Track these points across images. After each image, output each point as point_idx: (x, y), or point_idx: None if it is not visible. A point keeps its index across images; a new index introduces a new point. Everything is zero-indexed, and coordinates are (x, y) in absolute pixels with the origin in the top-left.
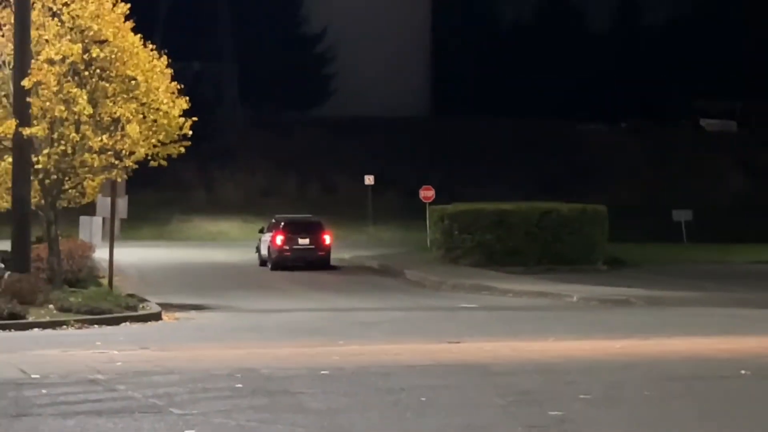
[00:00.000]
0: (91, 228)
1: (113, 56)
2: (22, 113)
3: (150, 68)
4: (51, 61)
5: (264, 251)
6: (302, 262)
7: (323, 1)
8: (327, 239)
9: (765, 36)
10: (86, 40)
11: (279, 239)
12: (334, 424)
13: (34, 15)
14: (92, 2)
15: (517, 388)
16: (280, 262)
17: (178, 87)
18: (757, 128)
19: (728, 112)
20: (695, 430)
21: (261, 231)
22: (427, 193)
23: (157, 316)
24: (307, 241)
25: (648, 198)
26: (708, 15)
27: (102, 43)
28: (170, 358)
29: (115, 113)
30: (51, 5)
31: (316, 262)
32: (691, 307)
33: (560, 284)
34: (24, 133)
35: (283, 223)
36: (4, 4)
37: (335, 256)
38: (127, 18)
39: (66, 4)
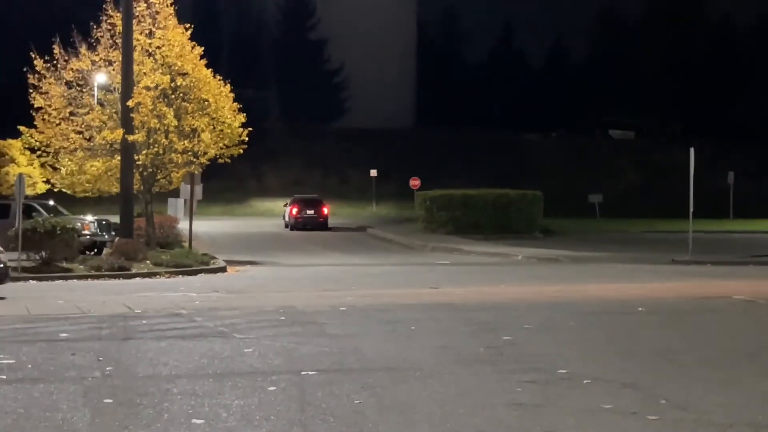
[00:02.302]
0: (176, 206)
1: (192, 84)
2: (127, 125)
3: (218, 93)
4: (147, 88)
5: (286, 218)
6: (309, 225)
7: (341, 48)
8: (325, 210)
9: (656, 67)
10: (172, 73)
11: (294, 210)
12: (348, 345)
13: (136, 55)
14: (177, 46)
15: (479, 320)
16: (294, 225)
17: (238, 106)
18: (649, 136)
19: (628, 124)
20: (604, 347)
21: (285, 205)
22: (415, 182)
23: (223, 269)
24: (312, 211)
25: (570, 186)
26: (616, 53)
27: (184, 75)
28: (233, 299)
29: (193, 125)
30: (147, 48)
31: (318, 225)
32: (603, 263)
33: (509, 247)
34: (129, 139)
35: (296, 200)
36: (114, 47)
37: (344, 223)
38: (201, 57)
39: (158, 48)
